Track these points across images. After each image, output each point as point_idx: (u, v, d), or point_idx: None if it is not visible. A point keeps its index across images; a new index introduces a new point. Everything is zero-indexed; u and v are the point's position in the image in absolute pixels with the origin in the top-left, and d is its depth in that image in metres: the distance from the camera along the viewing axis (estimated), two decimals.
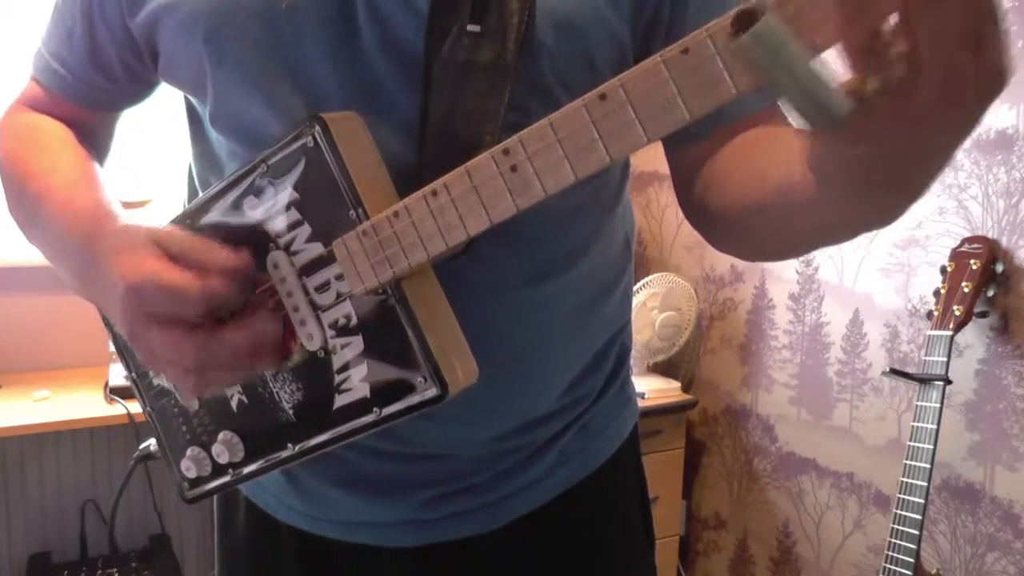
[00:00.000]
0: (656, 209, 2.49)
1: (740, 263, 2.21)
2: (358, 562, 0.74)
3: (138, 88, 0.74)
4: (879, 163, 0.41)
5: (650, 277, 2.24)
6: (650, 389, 2.22)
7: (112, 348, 2.13)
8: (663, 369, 2.39)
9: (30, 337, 2.15)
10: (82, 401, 1.88)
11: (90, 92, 0.73)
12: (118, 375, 1.90)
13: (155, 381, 0.70)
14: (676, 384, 2.29)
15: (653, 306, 2.22)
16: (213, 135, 0.67)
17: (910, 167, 0.42)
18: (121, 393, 1.87)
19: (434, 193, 0.50)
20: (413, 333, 0.54)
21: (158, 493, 2.18)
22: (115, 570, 2.01)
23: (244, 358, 0.55)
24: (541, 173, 0.45)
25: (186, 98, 0.71)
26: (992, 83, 0.37)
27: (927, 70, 0.36)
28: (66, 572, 2.02)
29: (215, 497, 0.84)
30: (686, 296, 2.27)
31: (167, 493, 2.26)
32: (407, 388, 0.55)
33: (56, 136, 0.73)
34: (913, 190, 0.45)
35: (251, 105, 0.62)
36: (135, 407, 1.82)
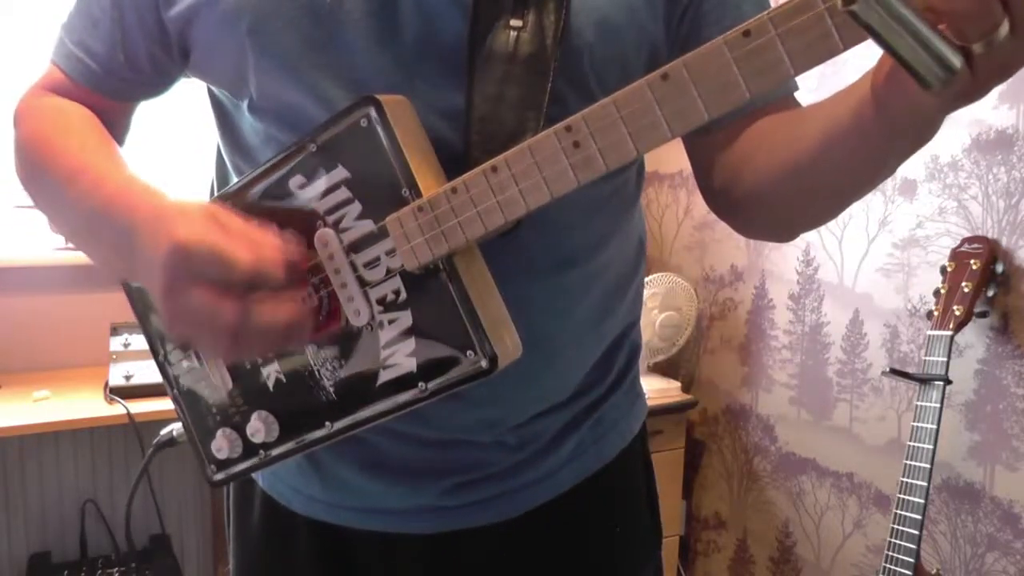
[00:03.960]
0: (656, 209, 2.49)
1: (740, 263, 2.21)
2: (374, 551, 0.76)
3: (161, 80, 0.75)
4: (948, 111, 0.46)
5: (650, 277, 2.23)
6: (650, 389, 2.22)
7: (112, 349, 2.07)
8: (663, 369, 2.39)
9: (30, 337, 2.15)
10: (82, 401, 1.88)
11: (112, 81, 0.74)
12: (118, 375, 1.90)
13: (184, 364, 0.71)
14: (676, 384, 2.29)
15: (653, 306, 2.22)
16: (247, 124, 0.69)
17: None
18: (121, 393, 1.87)
19: (494, 169, 0.52)
20: (464, 307, 0.56)
21: (159, 493, 2.18)
22: (115, 570, 2.01)
23: (278, 333, 0.56)
24: (604, 150, 0.48)
25: (211, 94, 0.73)
26: None
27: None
28: (66, 572, 2.02)
29: (231, 492, 0.85)
30: (686, 296, 2.27)
31: (167, 493, 2.27)
32: (455, 362, 0.57)
33: (83, 119, 0.74)
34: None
35: (294, 94, 0.64)
36: (135, 407, 1.82)
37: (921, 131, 0.50)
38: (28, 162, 0.73)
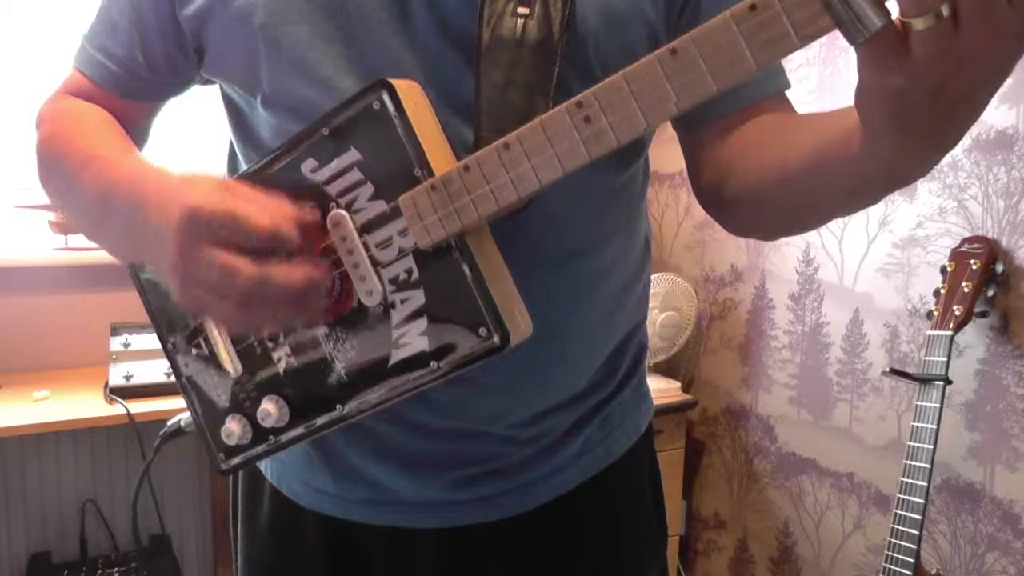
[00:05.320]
0: (656, 209, 2.49)
1: (740, 263, 2.21)
2: (384, 546, 0.76)
3: (178, 81, 0.77)
4: (921, 103, 0.45)
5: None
6: (650, 389, 2.22)
7: (112, 349, 2.06)
8: (663, 369, 2.39)
9: (30, 337, 2.15)
10: (82, 401, 1.88)
11: (132, 83, 0.76)
12: (118, 375, 1.90)
13: (193, 352, 0.71)
14: (676, 384, 2.29)
15: (653, 306, 2.22)
16: (261, 121, 0.70)
17: (949, 109, 0.45)
18: (121, 393, 1.87)
19: (506, 146, 0.52)
20: (476, 285, 0.56)
21: (158, 493, 2.18)
22: (115, 570, 2.02)
23: (291, 300, 0.55)
24: (615, 124, 0.49)
25: (224, 93, 0.74)
26: None
27: (969, 11, 0.39)
28: (66, 572, 2.02)
29: (239, 486, 0.85)
30: (686, 296, 2.27)
31: (167, 493, 2.27)
32: (467, 339, 0.57)
33: (101, 117, 0.76)
34: (949, 137, 0.48)
35: (306, 87, 0.65)
36: (135, 407, 1.82)
37: (894, 117, 0.48)
38: (46, 158, 0.75)
